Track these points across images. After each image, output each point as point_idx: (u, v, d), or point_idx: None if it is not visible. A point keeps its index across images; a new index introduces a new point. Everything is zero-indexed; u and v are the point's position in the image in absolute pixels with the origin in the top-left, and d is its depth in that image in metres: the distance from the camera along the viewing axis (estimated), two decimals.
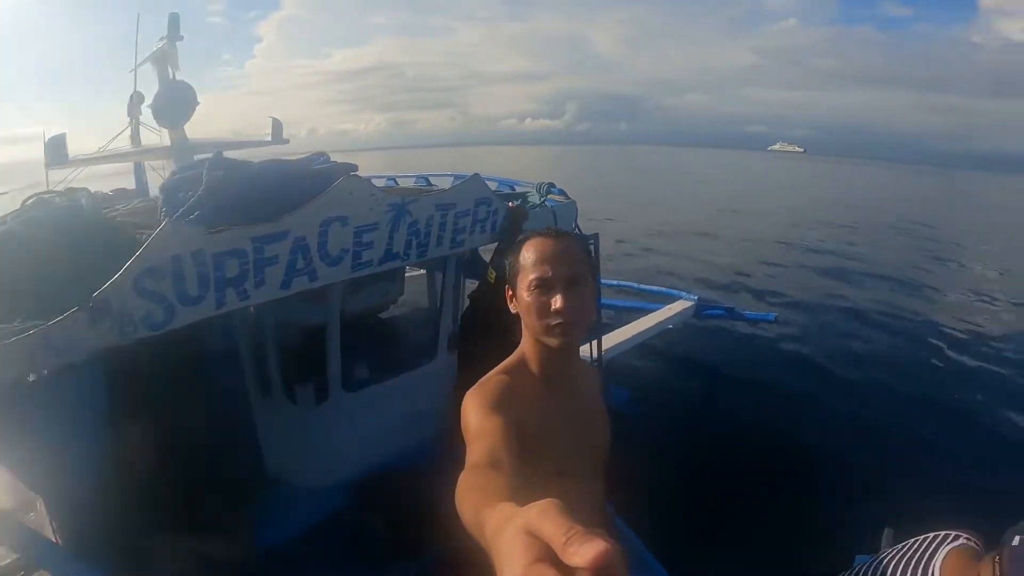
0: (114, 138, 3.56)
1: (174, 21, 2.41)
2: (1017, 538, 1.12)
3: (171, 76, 2.64)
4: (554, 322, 1.13)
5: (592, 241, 3.36)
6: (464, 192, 2.31)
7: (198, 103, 2.73)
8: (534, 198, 3.05)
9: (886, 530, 2.16)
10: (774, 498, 3.86)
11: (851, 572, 1.52)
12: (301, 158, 2.04)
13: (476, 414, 1.09)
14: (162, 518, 2.10)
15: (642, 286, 7.04)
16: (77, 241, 1.63)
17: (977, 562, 1.23)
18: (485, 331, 2.40)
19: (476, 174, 2.33)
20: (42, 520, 1.90)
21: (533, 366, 1.23)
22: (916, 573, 1.28)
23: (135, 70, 2.68)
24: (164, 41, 2.47)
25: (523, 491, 0.78)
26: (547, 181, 3.28)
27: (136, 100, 3.24)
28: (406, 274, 3.42)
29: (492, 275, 2.35)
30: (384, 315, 3.21)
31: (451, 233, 2.33)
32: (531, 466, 1.02)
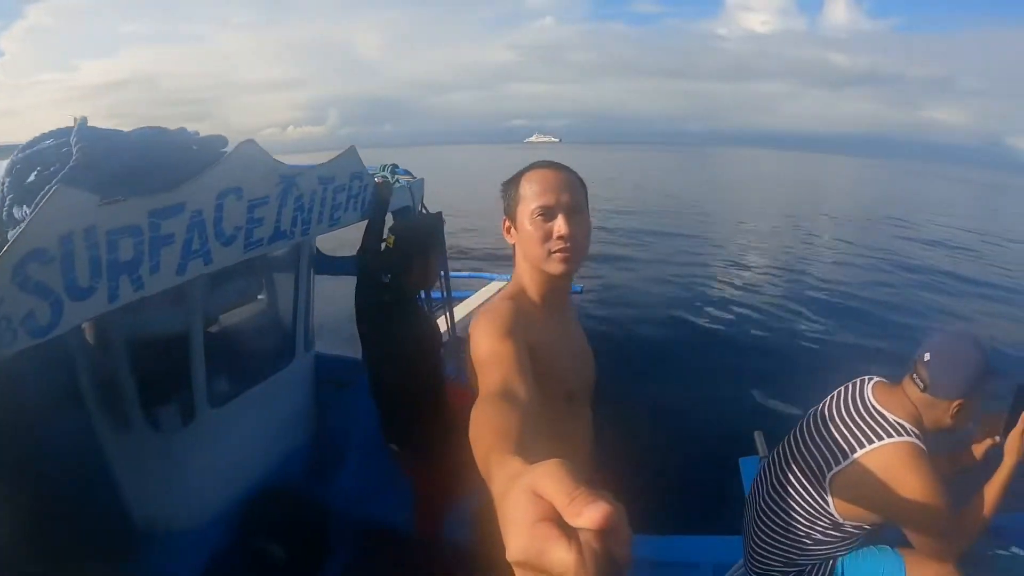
0: None
1: None
2: (927, 354, 1.46)
3: None
4: (556, 248, 1.15)
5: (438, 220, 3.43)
6: (342, 165, 2.22)
7: None
8: (381, 176, 3.06)
9: (755, 433, 2.50)
10: (647, 443, 4.36)
11: (792, 436, 1.70)
12: (175, 130, 1.80)
13: (487, 339, 1.06)
14: None
15: (458, 273, 7.45)
16: None
17: (898, 384, 1.53)
18: (391, 299, 2.39)
19: (352, 146, 2.29)
20: None
21: (534, 295, 1.25)
22: (857, 406, 1.52)
23: None
24: None
25: (537, 421, 0.81)
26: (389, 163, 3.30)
27: None
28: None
29: (391, 240, 2.35)
30: (223, 320, 2.86)
31: (330, 209, 2.22)
32: (544, 389, 1.03)
